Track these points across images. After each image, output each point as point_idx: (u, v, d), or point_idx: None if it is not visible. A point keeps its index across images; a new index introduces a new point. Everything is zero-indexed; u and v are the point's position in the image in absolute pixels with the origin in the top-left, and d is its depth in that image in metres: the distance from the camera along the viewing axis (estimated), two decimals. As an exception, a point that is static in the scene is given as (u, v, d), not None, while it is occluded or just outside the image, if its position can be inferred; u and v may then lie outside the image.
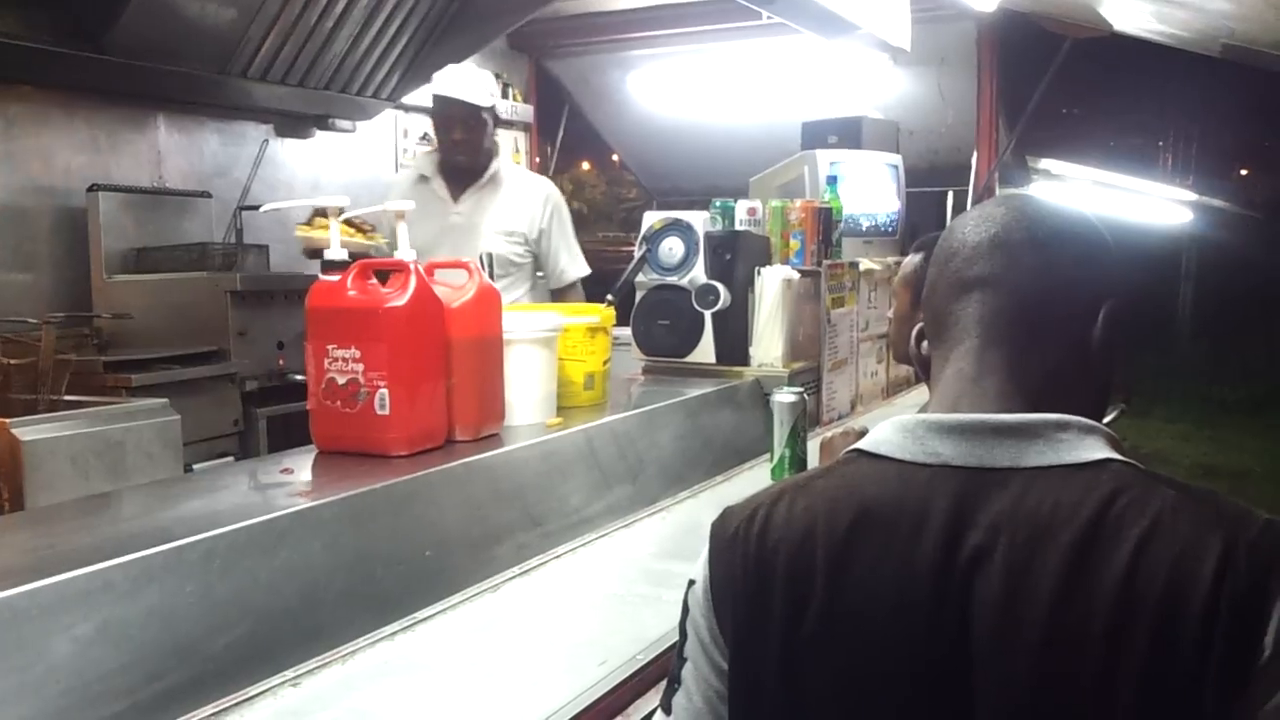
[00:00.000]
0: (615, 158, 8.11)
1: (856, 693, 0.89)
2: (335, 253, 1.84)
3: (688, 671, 1.00)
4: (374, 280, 1.80)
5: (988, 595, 0.85)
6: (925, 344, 1.04)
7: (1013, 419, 0.91)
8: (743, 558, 0.95)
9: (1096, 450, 0.89)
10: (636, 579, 1.71)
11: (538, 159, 6.45)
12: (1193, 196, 12.51)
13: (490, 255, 3.25)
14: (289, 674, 1.32)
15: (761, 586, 0.93)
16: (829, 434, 2.15)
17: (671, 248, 2.84)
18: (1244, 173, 24.43)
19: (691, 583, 1.00)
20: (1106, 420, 0.97)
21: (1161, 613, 0.80)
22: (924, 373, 1.05)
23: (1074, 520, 0.84)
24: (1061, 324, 0.97)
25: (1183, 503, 0.85)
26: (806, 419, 2.21)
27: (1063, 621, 0.82)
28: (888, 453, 0.94)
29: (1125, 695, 0.80)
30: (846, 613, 0.89)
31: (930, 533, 0.87)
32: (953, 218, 5.03)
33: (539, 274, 3.52)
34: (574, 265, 3.48)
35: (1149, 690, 0.79)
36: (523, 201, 3.43)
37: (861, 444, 0.97)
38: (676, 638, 1.03)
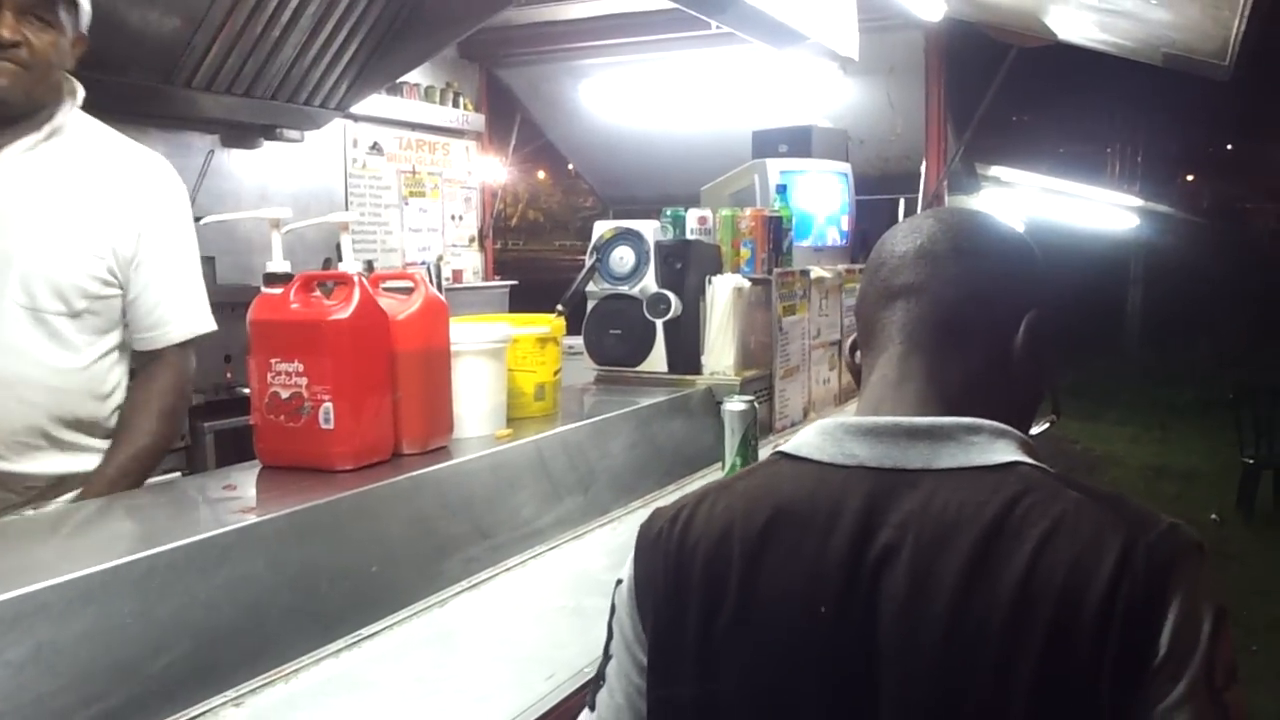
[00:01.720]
0: (570, 166, 8.10)
1: (767, 688, 0.91)
2: (277, 265, 1.82)
3: (611, 669, 1.02)
4: (317, 293, 1.78)
5: (893, 592, 0.87)
6: (858, 353, 1.06)
7: (925, 421, 0.93)
8: (664, 556, 0.97)
9: (1007, 453, 0.91)
10: (587, 591, 1.70)
11: (490, 168, 6.44)
12: (1139, 202, 12.73)
13: (440, 261, 3.08)
14: (231, 694, 1.30)
15: (680, 585, 0.95)
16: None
17: (622, 257, 2.84)
18: (1189, 179, 24.88)
19: (619, 582, 1.03)
20: (1036, 432, 0.99)
21: (1058, 612, 0.81)
22: (856, 380, 1.07)
23: (978, 520, 0.86)
24: (982, 332, 0.99)
25: (1086, 505, 0.87)
26: (758, 427, 2.22)
27: (962, 619, 0.84)
28: (807, 454, 0.97)
29: (1021, 692, 0.82)
30: (758, 609, 0.91)
31: (841, 532, 0.90)
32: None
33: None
34: (189, 312, 2.02)
35: (1044, 688, 0.81)
36: (110, 189, 1.94)
37: (783, 446, 1.00)
38: None
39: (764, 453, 2.24)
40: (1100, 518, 0.85)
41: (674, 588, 0.96)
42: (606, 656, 1.03)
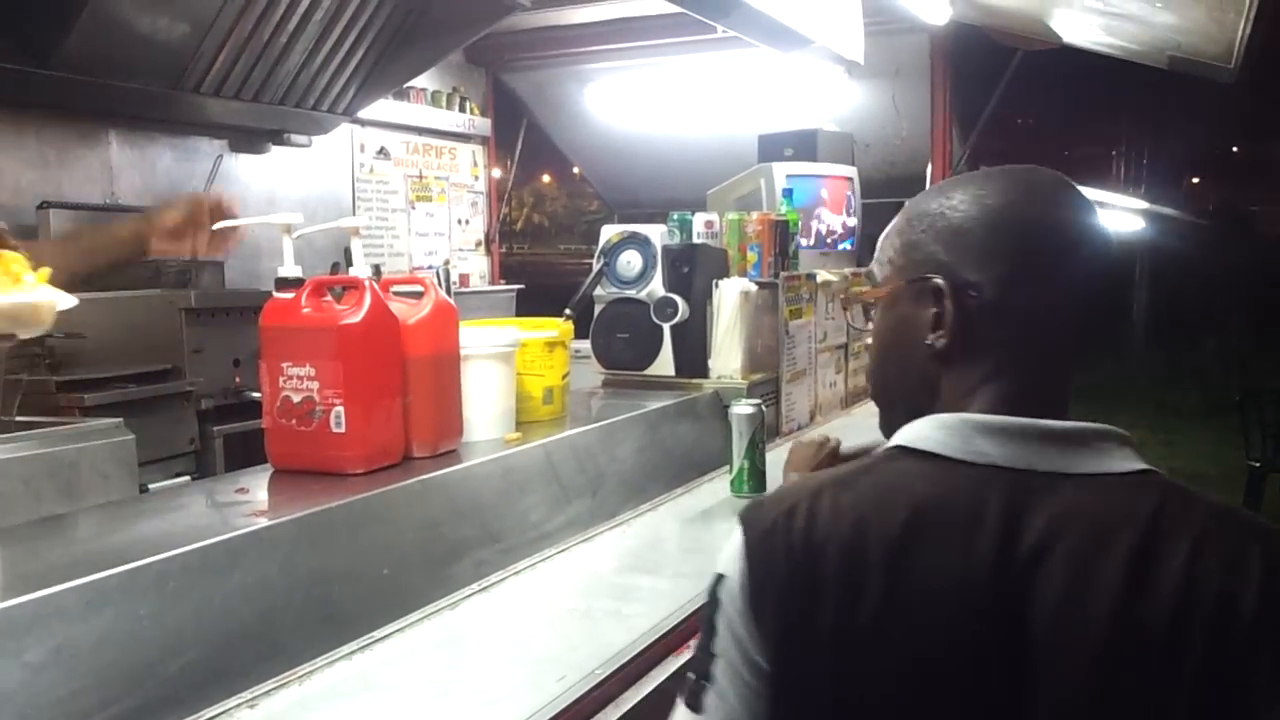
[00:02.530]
0: (576, 171, 8.11)
1: (915, 688, 0.89)
2: (289, 269, 1.83)
3: (720, 669, 0.95)
4: (329, 297, 1.79)
5: (1048, 593, 0.88)
6: (941, 336, 1.00)
7: (1062, 426, 0.94)
8: (785, 552, 0.93)
9: (1135, 461, 0.94)
10: (597, 593, 1.71)
11: (496, 172, 6.46)
12: (1145, 205, 12.72)
13: (447, 265, 3.06)
14: (245, 695, 1.31)
15: (810, 581, 0.91)
16: (799, 440, 2.15)
17: (629, 261, 2.85)
18: (1195, 181, 24.84)
19: (721, 577, 0.97)
20: None
21: (1217, 614, 0.85)
22: (913, 365, 1.03)
23: (1132, 524, 0.89)
24: (1091, 337, 1.02)
25: (1220, 512, 0.92)
26: (765, 430, 2.23)
27: (1126, 620, 0.86)
28: (932, 449, 0.95)
29: (1184, 690, 0.85)
30: (905, 608, 0.89)
31: (986, 531, 0.90)
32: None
33: None
34: None
35: (1205, 686, 0.85)
36: None
37: (902, 440, 0.98)
38: (699, 638, 0.99)
39: (772, 456, 2.25)
40: (1237, 526, 0.91)
41: (803, 584, 0.92)
42: (709, 654, 0.96)
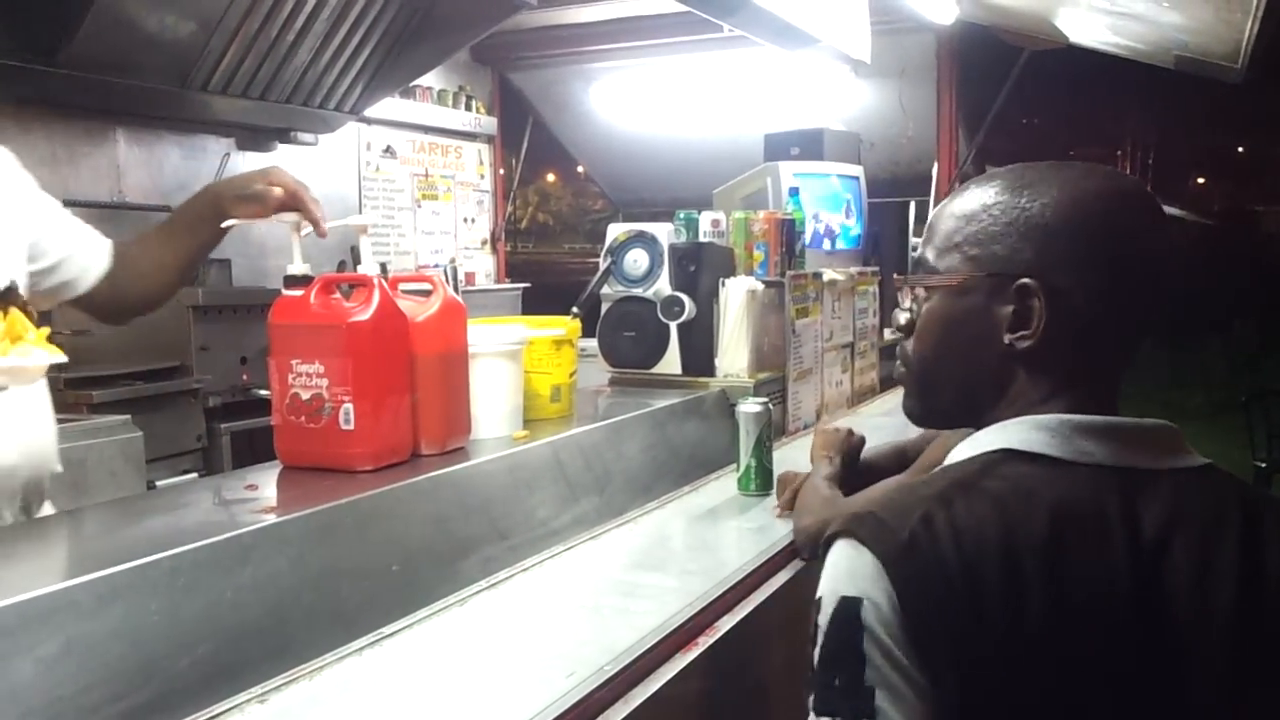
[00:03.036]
0: (581, 169, 8.12)
1: (1081, 684, 0.91)
2: (297, 266, 1.83)
3: (884, 700, 0.89)
4: (337, 295, 1.80)
5: (1177, 583, 0.92)
6: (1028, 341, 1.00)
7: (1144, 424, 0.99)
8: (938, 566, 0.90)
9: (1196, 455, 1.01)
10: (605, 590, 1.71)
11: (502, 171, 6.46)
12: (1150, 204, 12.69)
13: (454, 263, 3.04)
14: (256, 691, 1.31)
15: (971, 595, 0.89)
16: (820, 428, 2.15)
17: (636, 260, 2.85)
18: (1200, 181, 24.82)
19: (857, 601, 0.91)
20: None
21: None
22: (1015, 364, 1.02)
23: (1232, 514, 0.96)
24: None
25: (1271, 497, 1.01)
26: (772, 429, 2.23)
27: (1247, 602, 0.93)
28: (1041, 450, 0.96)
29: None
30: (1064, 611, 0.90)
31: (1115, 530, 0.93)
32: (914, 229, 5.09)
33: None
34: (93, 247, 1.85)
35: None
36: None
37: (1005, 444, 0.98)
38: (820, 664, 0.92)
39: (779, 455, 2.25)
40: None
41: (965, 598, 0.89)
42: (863, 688, 0.89)
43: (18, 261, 1.69)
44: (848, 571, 0.92)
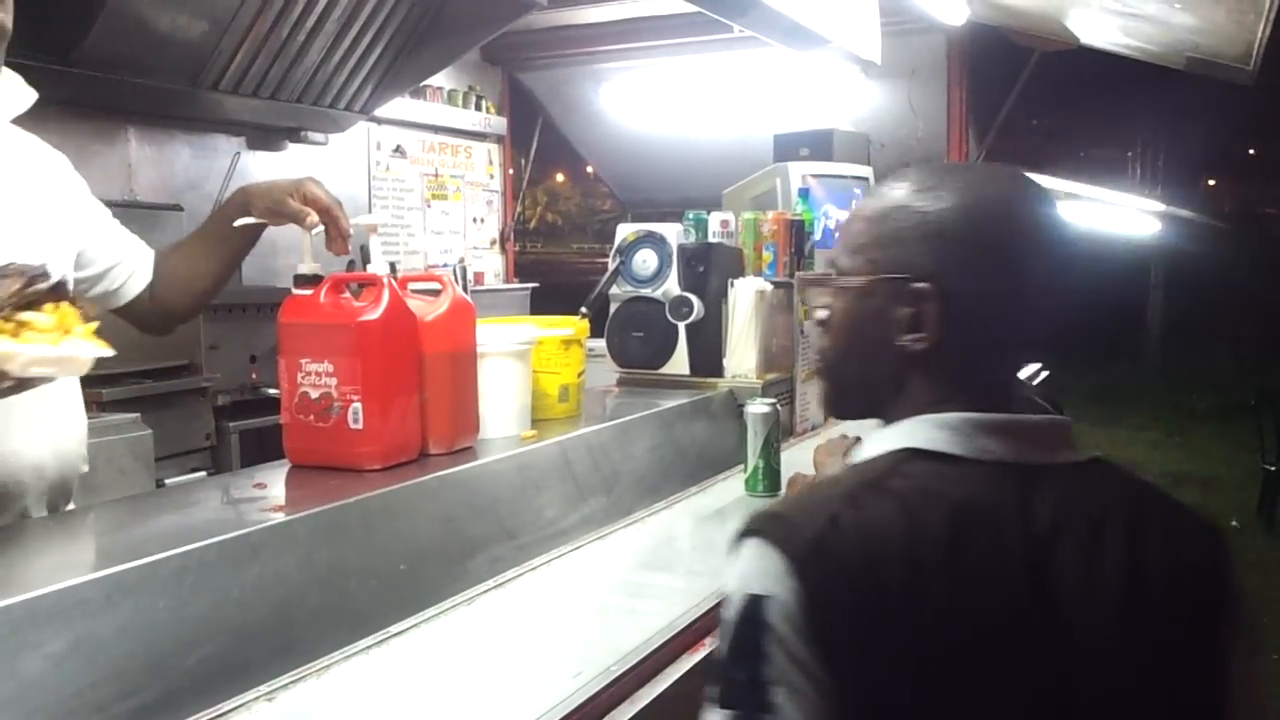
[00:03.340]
0: (590, 169, 8.12)
1: (982, 673, 0.93)
2: (308, 266, 1.84)
3: (783, 696, 0.90)
4: (347, 294, 1.80)
5: (1067, 574, 0.96)
6: (922, 343, 1.03)
7: (1039, 420, 1.02)
8: (841, 565, 0.91)
9: (1080, 450, 1.03)
10: (612, 590, 1.71)
11: (511, 171, 6.47)
12: (1161, 207, 12.67)
13: (463, 263, 3.03)
14: (264, 689, 1.32)
15: (874, 593, 0.91)
16: (822, 441, 2.17)
17: (645, 260, 2.85)
18: (1211, 183, 24.74)
19: (762, 599, 0.92)
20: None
21: (1185, 579, 0.98)
22: (911, 365, 1.05)
23: (1117, 506, 1.00)
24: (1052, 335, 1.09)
25: (1160, 491, 1.05)
26: (780, 429, 2.23)
27: (1133, 596, 0.96)
28: (944, 449, 0.99)
29: (1183, 650, 0.98)
30: (965, 605, 0.93)
31: (1010, 525, 0.96)
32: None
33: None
34: (139, 255, 1.90)
35: (1197, 644, 0.98)
36: (43, 168, 1.79)
37: (911, 443, 1.00)
38: (734, 660, 0.93)
39: (787, 455, 2.25)
40: (1175, 503, 1.04)
41: (867, 596, 0.91)
42: (762, 683, 0.91)
43: (67, 265, 1.71)
44: (757, 570, 0.93)
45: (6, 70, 1.70)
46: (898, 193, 1.07)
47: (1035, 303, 1.03)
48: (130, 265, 1.87)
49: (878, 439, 1.05)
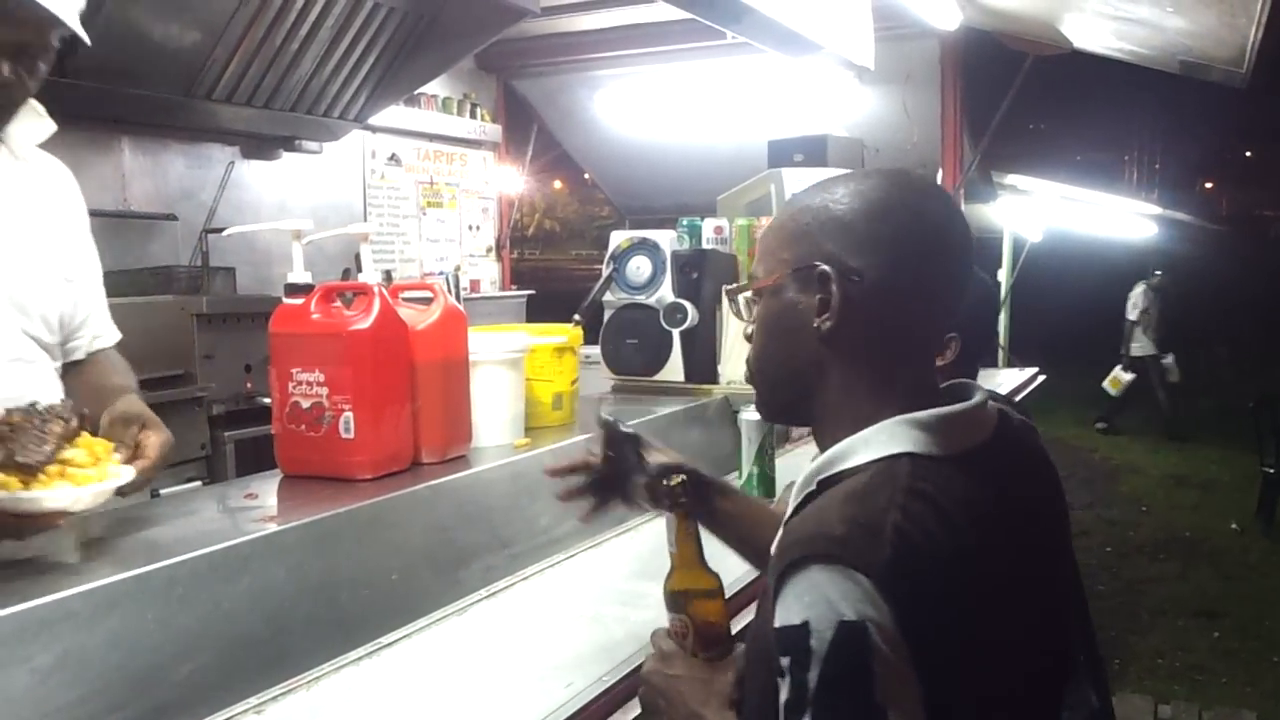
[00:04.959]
0: (587, 176, 8.13)
1: (1032, 628, 1.06)
2: (299, 275, 1.83)
3: (894, 715, 0.91)
4: (338, 303, 1.80)
5: (1036, 536, 1.09)
6: (829, 321, 1.09)
7: (976, 404, 1.10)
8: (920, 577, 0.94)
9: (984, 396, 1.13)
10: (605, 599, 1.71)
11: (507, 178, 6.47)
12: (1158, 210, 12.67)
13: (458, 270, 3.00)
14: (253, 701, 1.32)
15: (953, 595, 0.96)
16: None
17: (639, 267, 2.85)
18: (1208, 186, 24.77)
19: (856, 623, 0.91)
20: None
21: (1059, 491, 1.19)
22: (826, 347, 1.10)
23: (1037, 460, 1.17)
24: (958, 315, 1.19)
25: (1025, 422, 1.22)
26: (774, 436, 2.22)
27: (1060, 534, 1.18)
28: (934, 451, 1.03)
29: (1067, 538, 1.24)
30: (1011, 586, 1.02)
31: (1001, 504, 1.04)
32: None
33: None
34: (108, 321, 1.88)
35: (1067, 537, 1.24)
36: (54, 194, 1.81)
37: (909, 448, 1.04)
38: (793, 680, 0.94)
39: (781, 462, 2.25)
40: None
41: (950, 601, 0.95)
42: (876, 706, 0.90)
43: (63, 303, 1.72)
44: (841, 595, 0.93)
45: (32, 100, 1.72)
46: (800, 198, 1.14)
47: (928, 279, 1.08)
48: (93, 329, 1.82)
49: (863, 444, 1.06)
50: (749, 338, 1.19)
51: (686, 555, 1.21)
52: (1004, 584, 1.01)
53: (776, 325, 1.13)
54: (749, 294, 1.17)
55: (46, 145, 1.80)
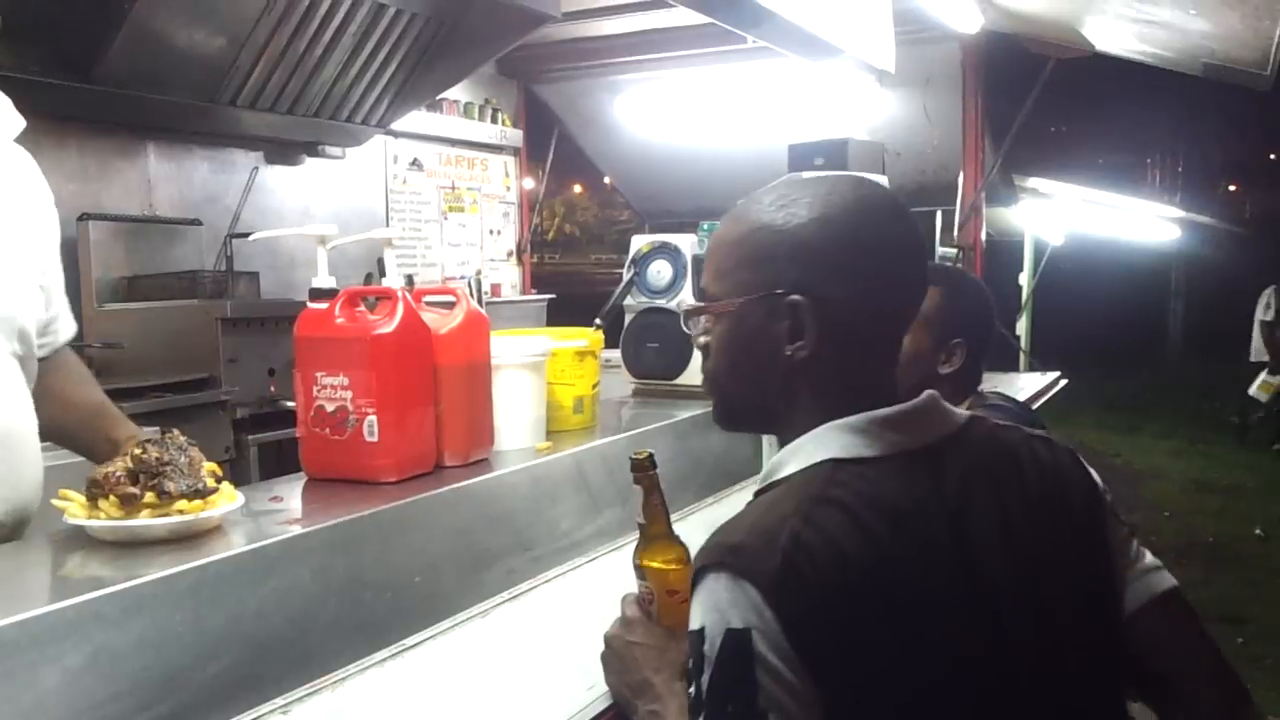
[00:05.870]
0: (607, 180, 8.14)
1: (939, 644, 0.99)
2: (323, 279, 1.85)
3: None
4: (362, 307, 1.81)
5: (986, 540, 1.04)
6: (804, 350, 1.09)
7: (918, 402, 1.09)
8: (811, 585, 0.95)
9: (958, 413, 1.13)
10: (626, 602, 1.71)
11: (528, 183, 6.49)
12: (1180, 213, 12.58)
13: (479, 275, 2.99)
14: (279, 701, 1.33)
15: (848, 601, 0.95)
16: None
17: (659, 271, 2.85)
18: (1231, 189, 24.58)
19: (742, 631, 0.94)
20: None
21: (1071, 500, 1.12)
22: (797, 373, 1.10)
23: (1014, 469, 1.10)
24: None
25: (1021, 430, 1.18)
26: (795, 440, 2.22)
27: (1034, 540, 1.07)
28: (861, 454, 1.04)
29: (1086, 564, 1.11)
30: (920, 591, 0.99)
31: (931, 506, 1.02)
32: (941, 238, 5.07)
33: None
34: (68, 314, 1.84)
35: (1094, 558, 1.12)
36: (21, 189, 1.66)
37: (829, 455, 1.05)
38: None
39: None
40: (1042, 438, 1.17)
41: (843, 607, 0.95)
42: (758, 712, 0.93)
43: (34, 300, 1.67)
44: (730, 603, 0.96)
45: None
46: (755, 213, 1.13)
47: (894, 296, 1.11)
48: (57, 325, 1.79)
49: (797, 453, 1.09)
50: (702, 349, 1.19)
51: (654, 525, 1.30)
52: (927, 586, 0.99)
53: (741, 348, 1.14)
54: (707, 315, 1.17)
55: (53, 147, 1.78)
